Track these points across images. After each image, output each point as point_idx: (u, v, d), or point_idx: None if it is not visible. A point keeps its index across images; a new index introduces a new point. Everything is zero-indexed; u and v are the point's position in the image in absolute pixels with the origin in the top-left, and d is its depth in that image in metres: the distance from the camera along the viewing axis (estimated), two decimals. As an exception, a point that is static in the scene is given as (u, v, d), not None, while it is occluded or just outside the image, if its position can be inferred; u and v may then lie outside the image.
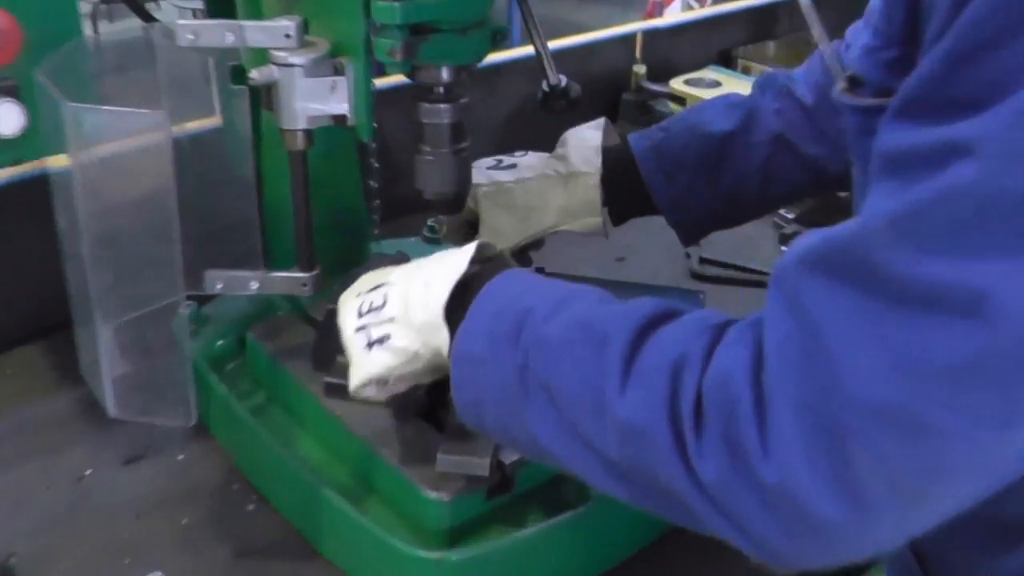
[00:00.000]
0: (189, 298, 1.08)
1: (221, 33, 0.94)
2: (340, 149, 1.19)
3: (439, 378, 0.87)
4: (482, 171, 1.22)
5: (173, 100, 1.16)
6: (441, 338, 0.81)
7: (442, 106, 1.01)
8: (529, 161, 1.23)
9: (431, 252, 1.47)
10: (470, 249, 0.86)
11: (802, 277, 0.63)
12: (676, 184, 1.18)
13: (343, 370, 0.93)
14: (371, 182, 1.33)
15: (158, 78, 1.15)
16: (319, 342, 1.08)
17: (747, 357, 0.65)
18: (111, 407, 0.94)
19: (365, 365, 0.85)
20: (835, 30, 0.88)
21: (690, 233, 1.23)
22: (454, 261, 0.85)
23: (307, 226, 1.04)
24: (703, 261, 1.64)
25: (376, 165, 1.31)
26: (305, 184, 1.03)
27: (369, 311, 0.85)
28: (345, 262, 1.27)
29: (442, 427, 0.98)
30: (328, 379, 1.03)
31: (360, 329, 0.85)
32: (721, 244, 1.72)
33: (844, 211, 1.76)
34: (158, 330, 0.99)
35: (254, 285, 1.05)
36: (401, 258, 1.20)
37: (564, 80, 1.17)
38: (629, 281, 1.26)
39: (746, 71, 2.12)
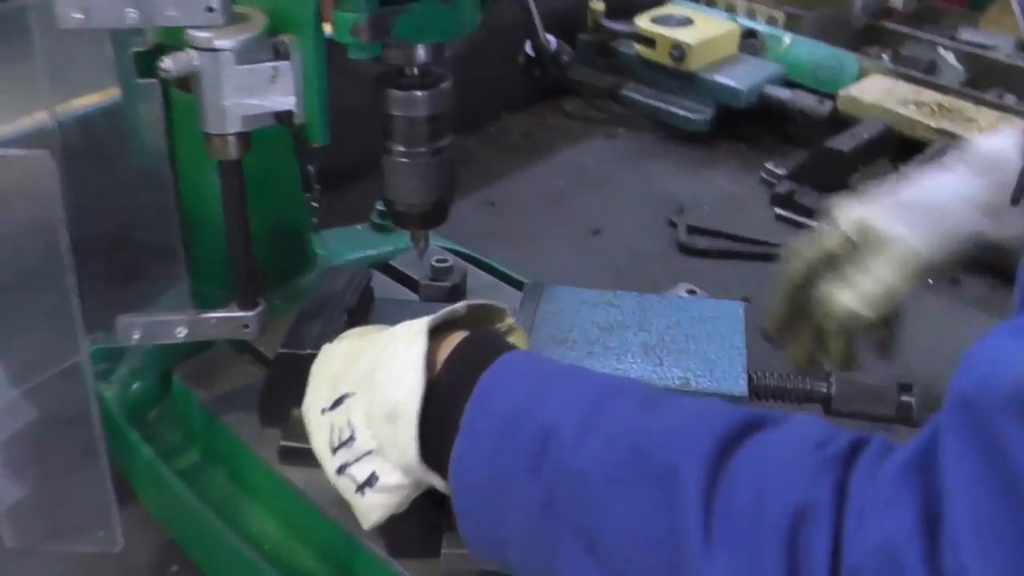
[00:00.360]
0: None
1: (119, 9, 0.70)
2: (274, 140, 0.95)
3: None
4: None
5: (59, 72, 0.91)
6: (430, 480, 0.69)
7: (418, 94, 0.78)
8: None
9: (380, 243, 1.28)
10: (420, 345, 0.67)
11: (1015, 421, 0.43)
12: None
13: (300, 428, 0.77)
14: (309, 167, 1.11)
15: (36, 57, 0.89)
16: (268, 392, 0.89)
17: (913, 521, 0.48)
18: (6, 535, 0.70)
19: (367, 512, 0.72)
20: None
21: None
22: (409, 372, 0.66)
23: (245, 253, 0.81)
24: (691, 231, 1.44)
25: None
26: (240, 201, 0.79)
27: (340, 446, 0.71)
28: (287, 269, 1.06)
29: (441, 502, 0.78)
30: (284, 443, 0.85)
31: (341, 471, 0.71)
32: (707, 209, 1.53)
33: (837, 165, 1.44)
34: (59, 407, 0.75)
35: (181, 332, 0.82)
36: (359, 275, 0.98)
37: (553, 42, 0.95)
38: (647, 293, 0.98)
39: (710, 3, 1.91)
